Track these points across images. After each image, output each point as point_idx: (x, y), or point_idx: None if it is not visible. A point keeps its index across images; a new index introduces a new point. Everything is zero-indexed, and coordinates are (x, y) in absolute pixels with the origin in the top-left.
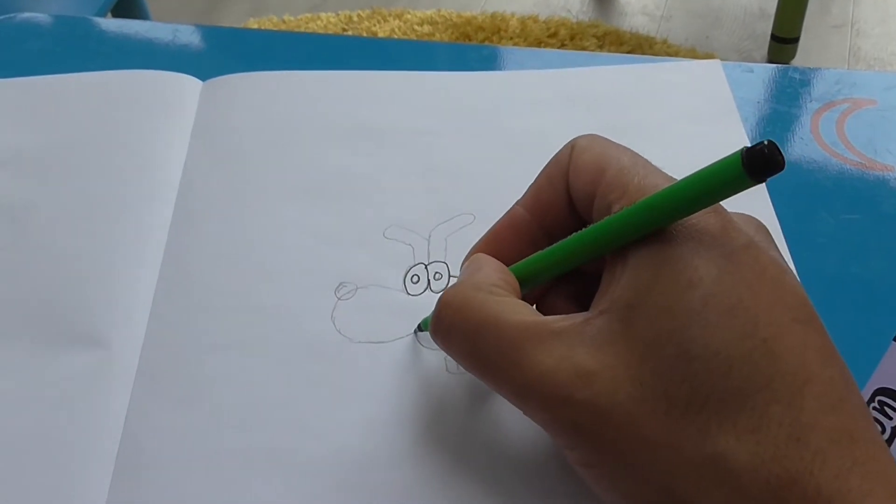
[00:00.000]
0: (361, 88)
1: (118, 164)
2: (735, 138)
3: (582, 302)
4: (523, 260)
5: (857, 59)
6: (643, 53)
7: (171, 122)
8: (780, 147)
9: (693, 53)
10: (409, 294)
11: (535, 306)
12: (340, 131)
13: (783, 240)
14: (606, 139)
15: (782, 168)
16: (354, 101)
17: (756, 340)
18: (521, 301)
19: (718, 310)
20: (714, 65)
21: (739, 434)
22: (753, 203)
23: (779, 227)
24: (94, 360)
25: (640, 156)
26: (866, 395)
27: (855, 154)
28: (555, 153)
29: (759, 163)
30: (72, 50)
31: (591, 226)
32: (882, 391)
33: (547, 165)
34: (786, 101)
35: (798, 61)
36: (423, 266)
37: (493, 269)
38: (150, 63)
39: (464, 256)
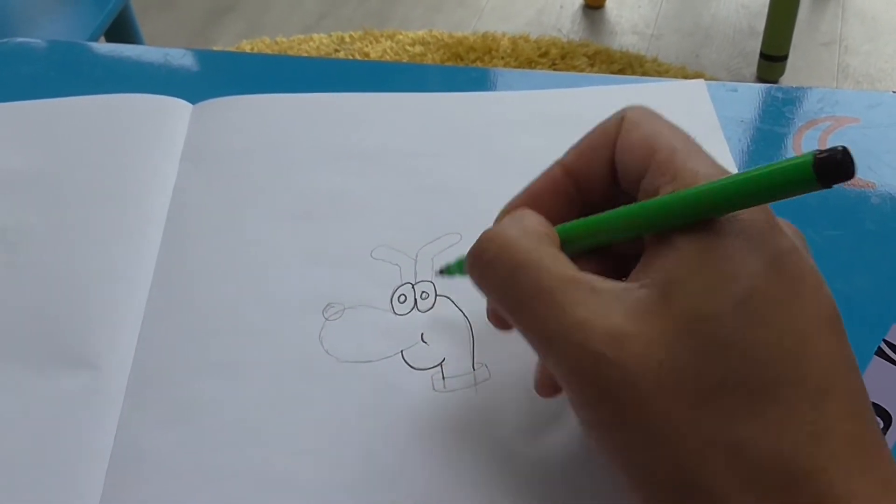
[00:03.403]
0: (349, 111)
1: (109, 186)
2: (719, 157)
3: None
4: (569, 223)
5: (845, 76)
6: (633, 72)
7: (161, 145)
8: (852, 155)
9: (683, 72)
10: (396, 314)
11: None
12: (328, 153)
13: None
14: (657, 114)
15: (852, 176)
16: (342, 124)
17: (794, 340)
18: (562, 253)
19: (761, 304)
20: (698, 84)
21: (766, 425)
22: None
23: None
24: (84, 382)
25: (691, 139)
26: None
27: None
28: (601, 122)
29: (830, 169)
30: (65, 74)
31: (647, 202)
32: None
33: (592, 132)
34: (769, 119)
35: (787, 79)
36: (410, 286)
37: (538, 221)
38: (142, 87)
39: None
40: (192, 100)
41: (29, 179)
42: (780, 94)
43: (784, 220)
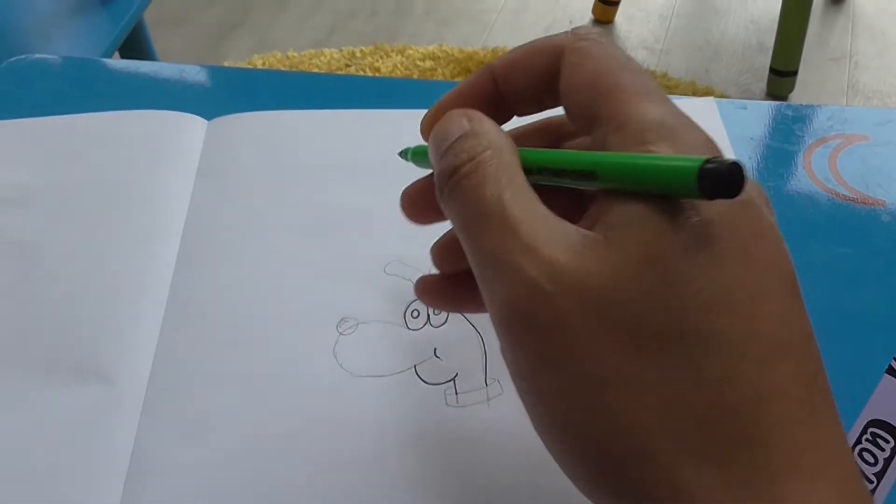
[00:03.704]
0: (363, 127)
1: (125, 202)
2: None
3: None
4: (528, 149)
5: (855, 91)
6: None
7: (176, 161)
8: (743, 172)
9: (692, 87)
10: (409, 328)
11: None
12: (341, 169)
13: None
14: (600, 43)
15: (737, 194)
16: (356, 140)
17: (742, 293)
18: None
19: (711, 253)
20: (708, 102)
21: (702, 381)
22: None
23: None
24: (100, 396)
25: (641, 72)
26: (859, 427)
27: (847, 189)
28: (540, 40)
29: (713, 183)
30: (80, 90)
31: (594, 156)
32: (875, 423)
33: (529, 48)
34: (779, 137)
35: (797, 94)
36: None
37: (507, 139)
38: (157, 103)
39: None
40: (208, 115)
41: (46, 195)
42: (789, 112)
43: (748, 178)
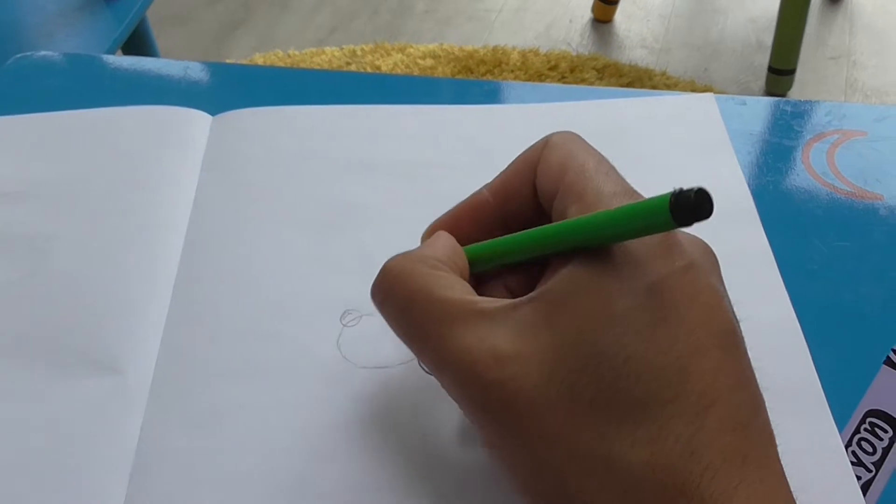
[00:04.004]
0: (366, 122)
1: (131, 196)
2: (729, 170)
3: (524, 291)
4: (478, 243)
5: (853, 89)
6: (642, 86)
7: (182, 156)
8: (710, 196)
9: (692, 86)
10: None
11: (481, 287)
12: (346, 164)
13: (776, 266)
14: (578, 138)
15: (709, 216)
16: (359, 135)
17: (671, 358)
18: (457, 278)
19: (641, 322)
20: (708, 98)
21: (636, 441)
22: (747, 231)
23: (772, 253)
24: (108, 386)
25: (605, 161)
26: (858, 417)
27: (845, 184)
28: (528, 147)
29: (685, 209)
30: (85, 87)
31: (541, 227)
32: (873, 413)
33: (519, 157)
34: (778, 132)
35: (795, 93)
36: None
37: (442, 245)
38: (161, 99)
39: None
40: (211, 111)
41: (54, 189)
42: (788, 108)
43: (693, 237)
